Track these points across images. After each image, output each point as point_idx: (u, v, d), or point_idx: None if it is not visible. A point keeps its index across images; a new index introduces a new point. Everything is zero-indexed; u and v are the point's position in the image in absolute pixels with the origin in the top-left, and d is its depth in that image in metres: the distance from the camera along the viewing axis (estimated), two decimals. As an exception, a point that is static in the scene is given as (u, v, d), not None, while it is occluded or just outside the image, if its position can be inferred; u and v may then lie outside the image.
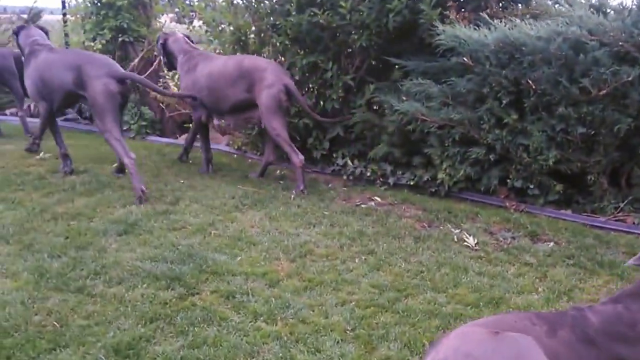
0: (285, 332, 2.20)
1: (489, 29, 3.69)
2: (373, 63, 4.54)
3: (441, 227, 3.42)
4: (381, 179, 4.25)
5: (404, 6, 3.95)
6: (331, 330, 2.21)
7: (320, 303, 2.43)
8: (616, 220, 3.44)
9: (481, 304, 2.43)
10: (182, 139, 5.35)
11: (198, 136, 4.63)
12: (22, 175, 4.07)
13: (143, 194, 3.62)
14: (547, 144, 3.54)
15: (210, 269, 2.74)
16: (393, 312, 2.36)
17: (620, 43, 3.28)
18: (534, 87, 3.46)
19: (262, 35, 4.81)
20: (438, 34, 3.81)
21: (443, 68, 4.02)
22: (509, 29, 3.52)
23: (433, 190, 4.03)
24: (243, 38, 4.85)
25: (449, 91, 3.84)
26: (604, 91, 3.33)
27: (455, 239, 3.21)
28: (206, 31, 5.43)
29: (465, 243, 3.15)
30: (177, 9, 6.23)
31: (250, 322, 2.28)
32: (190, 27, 6.10)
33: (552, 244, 3.15)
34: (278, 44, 4.54)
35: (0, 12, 7.68)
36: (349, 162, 4.41)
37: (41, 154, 4.56)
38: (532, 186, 3.68)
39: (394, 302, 2.44)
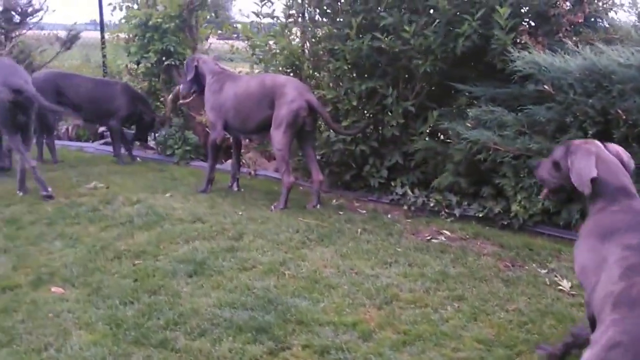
0: (399, 400, 1.98)
1: (568, 54, 3.49)
2: (433, 88, 4.37)
3: (526, 267, 3.19)
4: (446, 210, 4.04)
5: (473, 31, 3.78)
6: (450, 399, 1.99)
7: (427, 362, 2.22)
8: None
9: (607, 365, 2.19)
10: (228, 164, 5.19)
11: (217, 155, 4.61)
12: (74, 207, 3.93)
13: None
14: (637, 178, 3.30)
15: (295, 317, 2.53)
16: (513, 375, 2.14)
17: None
18: (624, 117, 3.24)
19: (316, 59, 4.68)
20: (512, 60, 3.62)
21: (514, 95, 3.83)
22: (595, 54, 3.32)
23: (505, 223, 3.81)
24: (297, 62, 4.72)
25: (525, 119, 3.64)
26: (702, 122, 3.11)
27: (547, 282, 2.98)
28: (252, 54, 5.33)
29: (560, 287, 2.92)
30: (219, 31, 6.13)
31: (357, 386, 2.07)
32: (233, 49, 6.01)
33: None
34: (335, 69, 4.39)
35: (40, 29, 7.64)
36: (409, 192, 4.21)
37: (92, 183, 4.42)
38: (618, 221, 3.43)
39: (508, 362, 2.22)
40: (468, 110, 3.92)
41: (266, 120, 4.19)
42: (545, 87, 3.47)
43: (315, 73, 4.71)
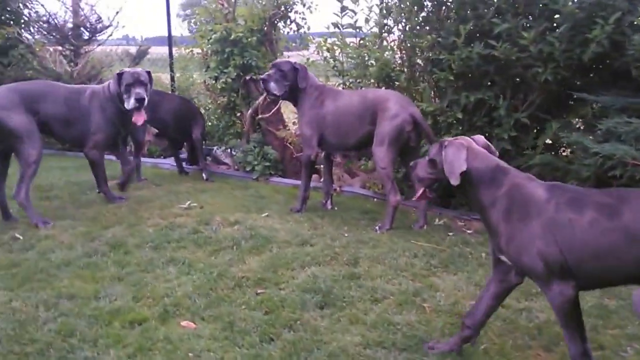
0: None
1: None
2: (545, 98, 4.04)
3: (694, 300, 2.81)
4: (570, 232, 3.68)
5: (605, 36, 3.45)
6: None
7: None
8: None
9: None
10: (317, 182, 4.94)
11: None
12: (175, 229, 3.77)
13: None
14: None
15: (457, 361, 2.26)
16: None
17: None
18: None
19: (413, 70, 4.42)
20: (653, 66, 3.28)
21: (650, 104, 3.47)
22: None
23: (644, 246, 3.43)
24: (391, 74, 4.48)
25: (670, 132, 3.28)
26: None
27: None
28: (334, 66, 5.14)
29: None
30: (294, 44, 5.97)
31: None
32: (308, 62, 5.83)
33: None
34: (438, 79, 4.12)
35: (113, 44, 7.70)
36: (523, 210, 3.88)
37: (187, 203, 4.28)
38: None
39: None
40: (598, 122, 3.57)
41: (366, 136, 3.98)
42: (701, 95, 3.11)
43: (412, 85, 4.45)
